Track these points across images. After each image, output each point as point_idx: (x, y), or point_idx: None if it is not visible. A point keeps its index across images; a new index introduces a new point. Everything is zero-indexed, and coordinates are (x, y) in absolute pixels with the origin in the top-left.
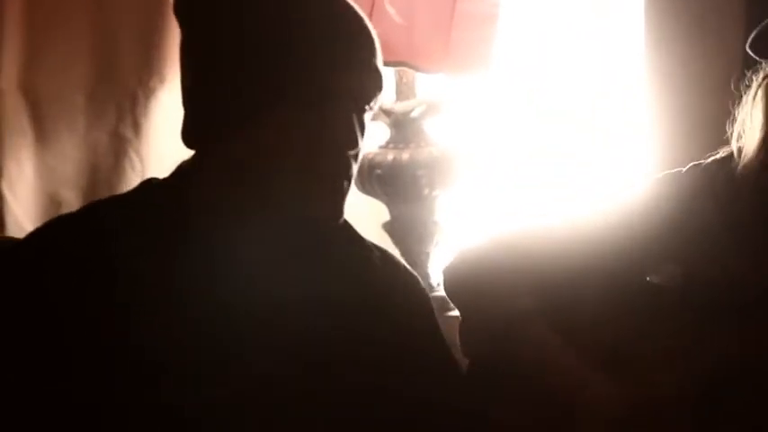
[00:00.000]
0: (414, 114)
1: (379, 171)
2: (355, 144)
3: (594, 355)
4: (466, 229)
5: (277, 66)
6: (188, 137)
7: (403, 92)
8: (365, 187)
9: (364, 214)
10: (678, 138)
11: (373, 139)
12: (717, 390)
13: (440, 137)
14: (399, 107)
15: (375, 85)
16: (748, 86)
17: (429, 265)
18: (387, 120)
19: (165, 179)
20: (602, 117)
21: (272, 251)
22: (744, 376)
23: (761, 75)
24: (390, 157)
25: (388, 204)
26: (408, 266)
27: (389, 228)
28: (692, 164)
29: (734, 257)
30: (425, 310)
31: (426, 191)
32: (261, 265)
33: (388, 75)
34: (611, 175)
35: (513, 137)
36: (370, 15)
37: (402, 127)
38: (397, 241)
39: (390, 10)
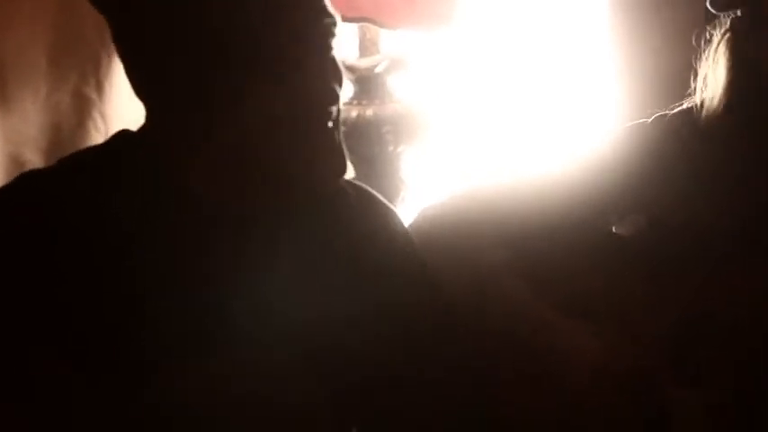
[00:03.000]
0: (378, 70)
1: (343, 127)
2: (336, 99)
3: (568, 307)
4: (431, 184)
5: (240, 47)
6: (141, 92)
7: (367, 48)
8: None
9: None
10: (644, 90)
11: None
12: (691, 336)
13: (404, 93)
14: (363, 63)
15: (333, 24)
16: (709, 41)
17: None
18: (350, 76)
19: (137, 134)
20: (568, 71)
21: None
22: (716, 322)
23: (722, 29)
24: (354, 113)
25: (353, 161)
26: (383, 198)
27: None
28: (657, 115)
29: (702, 203)
30: (409, 248)
31: (391, 147)
32: (255, 242)
33: (351, 31)
34: (578, 128)
35: (477, 91)
36: None
37: (366, 83)
38: None
39: None
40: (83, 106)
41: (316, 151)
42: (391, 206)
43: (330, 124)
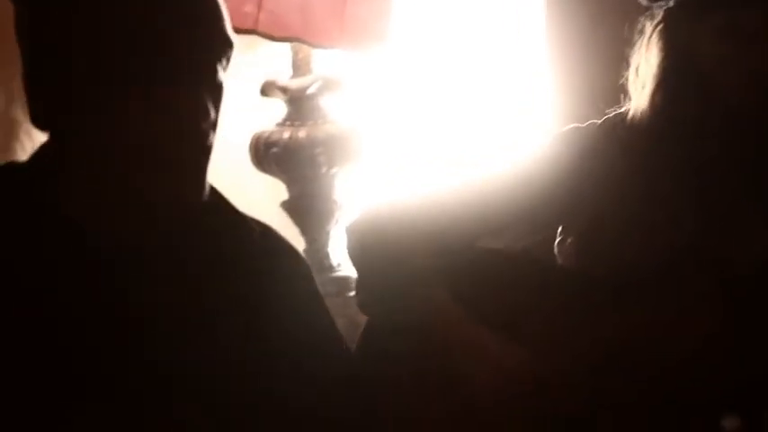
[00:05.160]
0: (310, 91)
1: (275, 149)
2: (207, 117)
3: (490, 318)
4: (365, 206)
5: (133, 49)
6: (38, 120)
7: (299, 68)
8: (262, 166)
9: (262, 193)
10: (577, 105)
11: (269, 116)
12: (605, 368)
13: (337, 113)
14: (295, 83)
15: (225, 43)
16: (641, 31)
17: (329, 245)
18: (283, 96)
19: (25, 164)
20: (504, 89)
21: (153, 249)
22: (630, 358)
23: (654, 20)
24: (287, 135)
25: (287, 183)
26: (288, 241)
27: (288, 207)
28: (589, 122)
29: (645, 207)
30: (309, 290)
31: (324, 169)
32: (145, 264)
33: (283, 51)
34: (513, 144)
35: (411, 111)
36: None
37: (299, 104)
38: (297, 221)
39: None
40: (9, 128)
41: (179, 173)
42: (297, 251)
43: (196, 147)
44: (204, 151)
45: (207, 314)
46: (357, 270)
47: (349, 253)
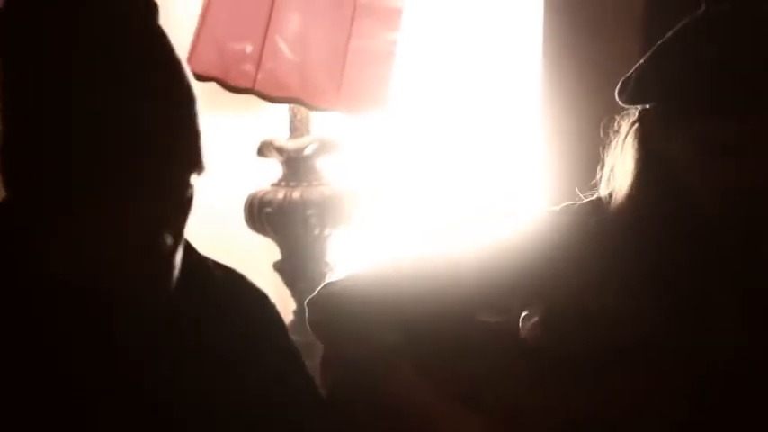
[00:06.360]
0: (307, 152)
1: (269, 209)
2: (167, 231)
3: (455, 395)
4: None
5: (98, 158)
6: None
7: (297, 128)
8: (255, 225)
9: (256, 252)
10: (575, 156)
11: (266, 176)
12: None
13: (334, 176)
14: (292, 144)
15: (197, 164)
16: (617, 131)
17: None
18: (279, 157)
19: None
20: (501, 148)
21: None
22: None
23: (630, 120)
24: (281, 195)
25: (279, 243)
26: (257, 286)
27: (280, 267)
28: (565, 204)
29: (605, 297)
30: (275, 329)
31: (317, 230)
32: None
33: (282, 111)
34: (509, 204)
35: (407, 175)
36: (261, 50)
37: (295, 165)
38: (288, 282)
39: (282, 45)
40: None
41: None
42: (261, 291)
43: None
44: (166, 265)
45: (189, 355)
46: (322, 343)
47: (311, 327)
